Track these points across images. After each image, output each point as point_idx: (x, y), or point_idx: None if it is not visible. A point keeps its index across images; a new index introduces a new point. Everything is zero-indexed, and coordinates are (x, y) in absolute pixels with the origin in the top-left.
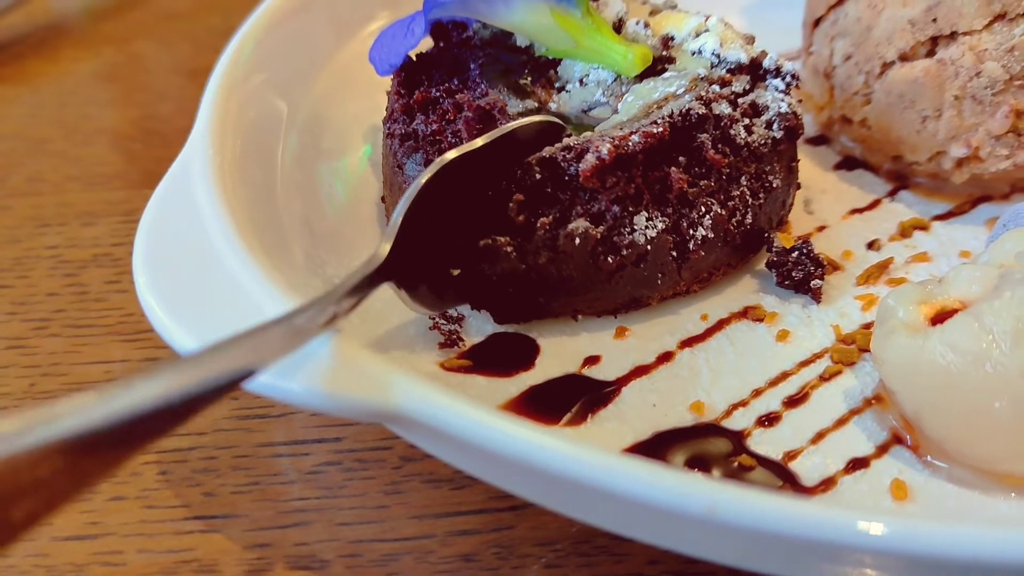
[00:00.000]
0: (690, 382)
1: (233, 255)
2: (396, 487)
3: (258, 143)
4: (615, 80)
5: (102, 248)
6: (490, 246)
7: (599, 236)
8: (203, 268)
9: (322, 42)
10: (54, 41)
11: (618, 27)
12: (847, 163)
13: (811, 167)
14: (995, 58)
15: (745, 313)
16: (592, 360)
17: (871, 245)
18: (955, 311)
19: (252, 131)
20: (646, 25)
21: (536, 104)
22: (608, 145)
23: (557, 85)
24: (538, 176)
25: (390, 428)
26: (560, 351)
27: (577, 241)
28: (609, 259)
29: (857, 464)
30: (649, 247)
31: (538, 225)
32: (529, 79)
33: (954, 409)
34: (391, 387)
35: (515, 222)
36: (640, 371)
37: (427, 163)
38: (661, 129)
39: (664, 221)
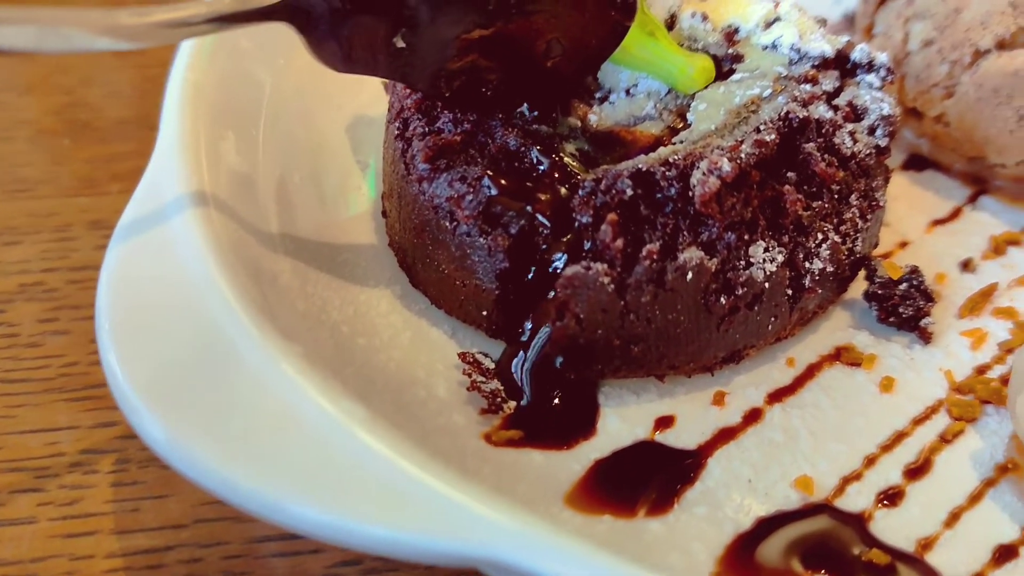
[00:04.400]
0: (787, 449)
1: (236, 328)
2: None
3: (236, 165)
4: (669, 91)
5: (31, 275)
6: (581, 275)
7: (713, 270)
8: (195, 342)
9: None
10: None
11: (671, 23)
12: (914, 162)
13: None
14: None
15: (838, 356)
16: (665, 422)
17: (965, 265)
18: None
19: (228, 155)
20: (704, 18)
21: (578, 122)
22: (727, 161)
23: (598, 95)
24: (629, 193)
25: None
26: (624, 410)
27: (690, 276)
28: (722, 299)
29: (1005, 554)
30: (767, 284)
31: (643, 254)
32: None
33: None
34: (489, 527)
35: (609, 247)
36: (725, 435)
37: (455, 180)
38: (773, 136)
39: (781, 252)
